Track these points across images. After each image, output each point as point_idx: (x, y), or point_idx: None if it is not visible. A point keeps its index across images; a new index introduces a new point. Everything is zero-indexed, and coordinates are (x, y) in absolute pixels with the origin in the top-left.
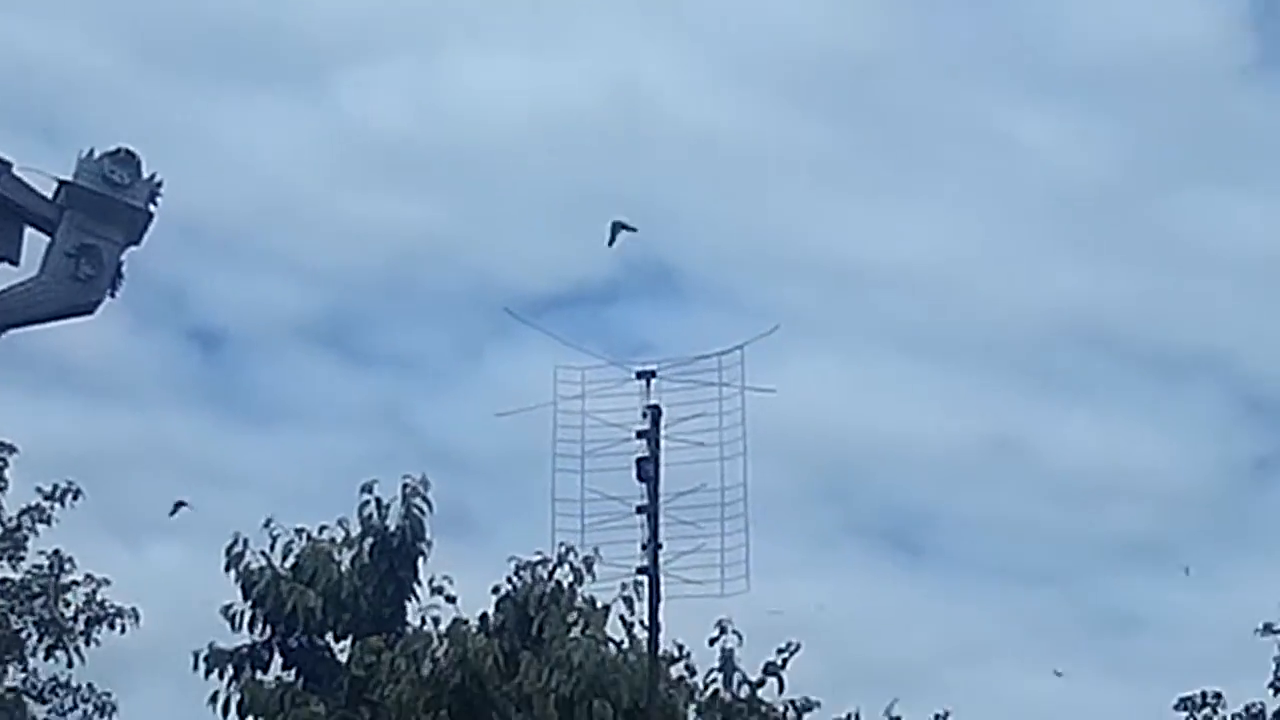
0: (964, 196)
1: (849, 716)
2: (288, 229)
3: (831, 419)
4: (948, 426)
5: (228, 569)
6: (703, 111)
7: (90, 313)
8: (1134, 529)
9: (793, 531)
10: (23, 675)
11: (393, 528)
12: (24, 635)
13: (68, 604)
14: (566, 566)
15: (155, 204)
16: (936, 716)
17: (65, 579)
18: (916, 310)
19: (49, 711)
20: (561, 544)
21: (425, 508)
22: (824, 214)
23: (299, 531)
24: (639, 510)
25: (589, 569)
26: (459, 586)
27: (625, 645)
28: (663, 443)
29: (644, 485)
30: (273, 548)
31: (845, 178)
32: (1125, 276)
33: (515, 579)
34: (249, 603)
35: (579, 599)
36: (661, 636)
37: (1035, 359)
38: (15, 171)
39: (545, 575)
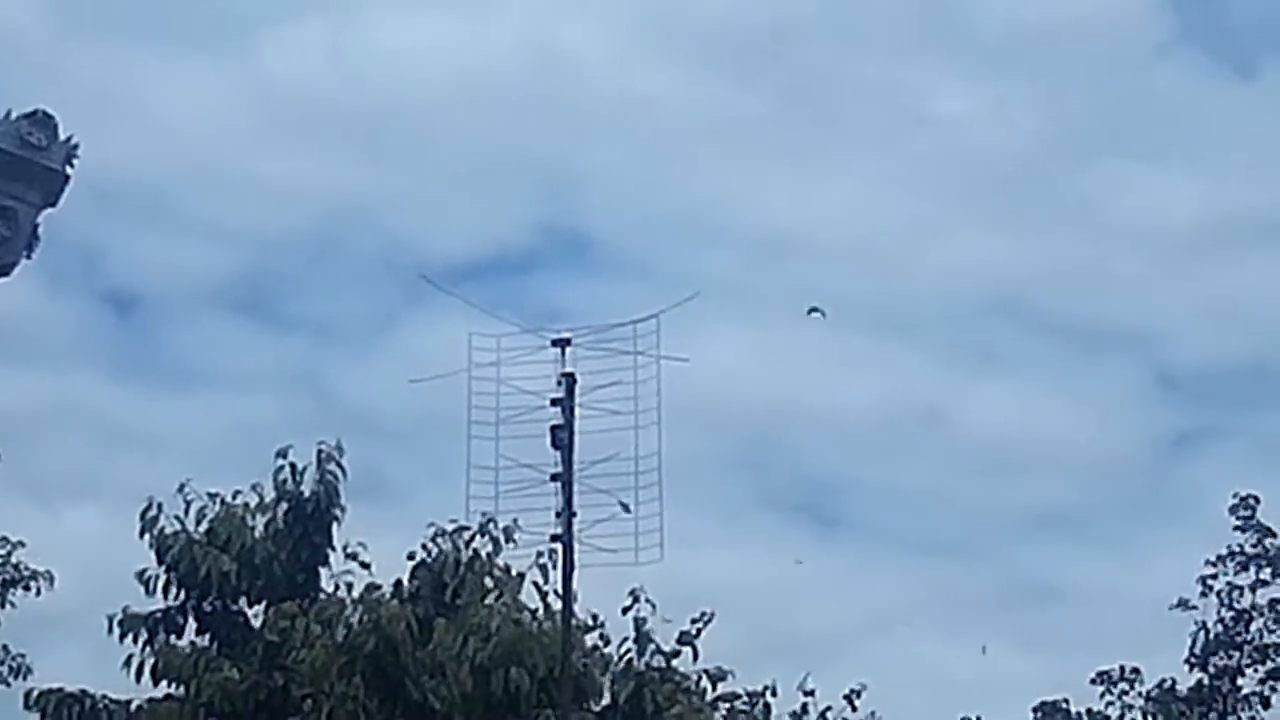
0: (884, 166)
1: (764, 689)
2: (206, 191)
3: (748, 388)
4: (865, 397)
5: (142, 534)
6: (623, 78)
7: (6, 274)
8: (1051, 501)
9: (708, 501)
10: None
11: (307, 493)
12: None
13: None
14: (486, 535)
15: (72, 166)
16: (851, 689)
17: None
18: (836, 279)
19: None
20: (482, 513)
21: (340, 473)
22: (744, 182)
23: (213, 496)
24: (553, 478)
25: (508, 538)
26: (373, 552)
27: (540, 613)
28: (577, 410)
29: (558, 453)
30: (187, 512)
31: (765, 146)
32: (1043, 249)
33: (432, 546)
34: (163, 567)
35: (495, 567)
36: (576, 605)
37: (953, 330)
38: None
39: (463, 543)
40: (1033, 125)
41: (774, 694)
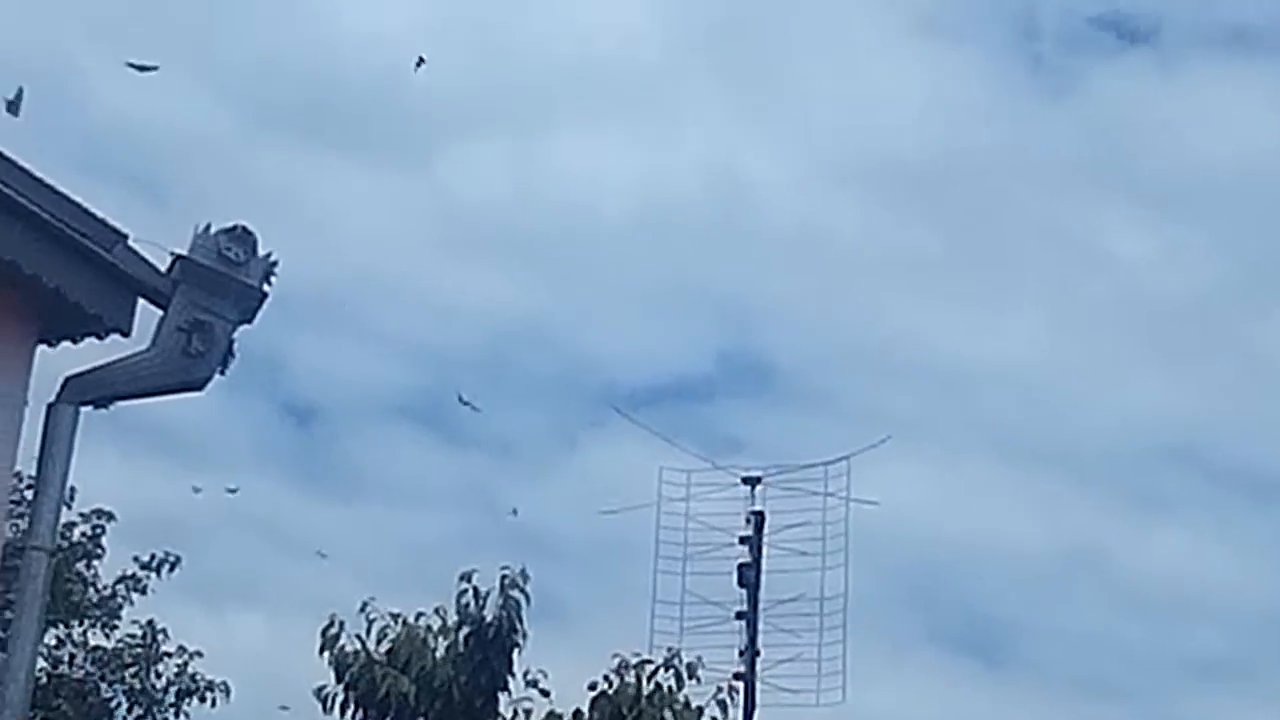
0: (1059, 306)
1: None
2: (387, 304)
3: (921, 526)
4: (1035, 536)
5: (322, 650)
6: (800, 207)
7: (200, 389)
8: (1216, 649)
9: (879, 638)
10: None
11: (489, 618)
12: (114, 704)
13: (159, 675)
14: (670, 669)
15: (270, 283)
16: None
17: (158, 650)
18: (1011, 415)
19: None
20: (667, 648)
21: (523, 599)
22: (920, 316)
23: (395, 616)
24: (738, 616)
25: (691, 674)
26: (552, 679)
27: None
28: (764, 549)
29: (744, 590)
30: (368, 632)
31: (940, 280)
32: (1215, 393)
33: (615, 677)
34: (342, 685)
35: (675, 701)
36: None
37: (1122, 470)
38: (131, 243)
39: (646, 676)
40: (1207, 267)
41: None
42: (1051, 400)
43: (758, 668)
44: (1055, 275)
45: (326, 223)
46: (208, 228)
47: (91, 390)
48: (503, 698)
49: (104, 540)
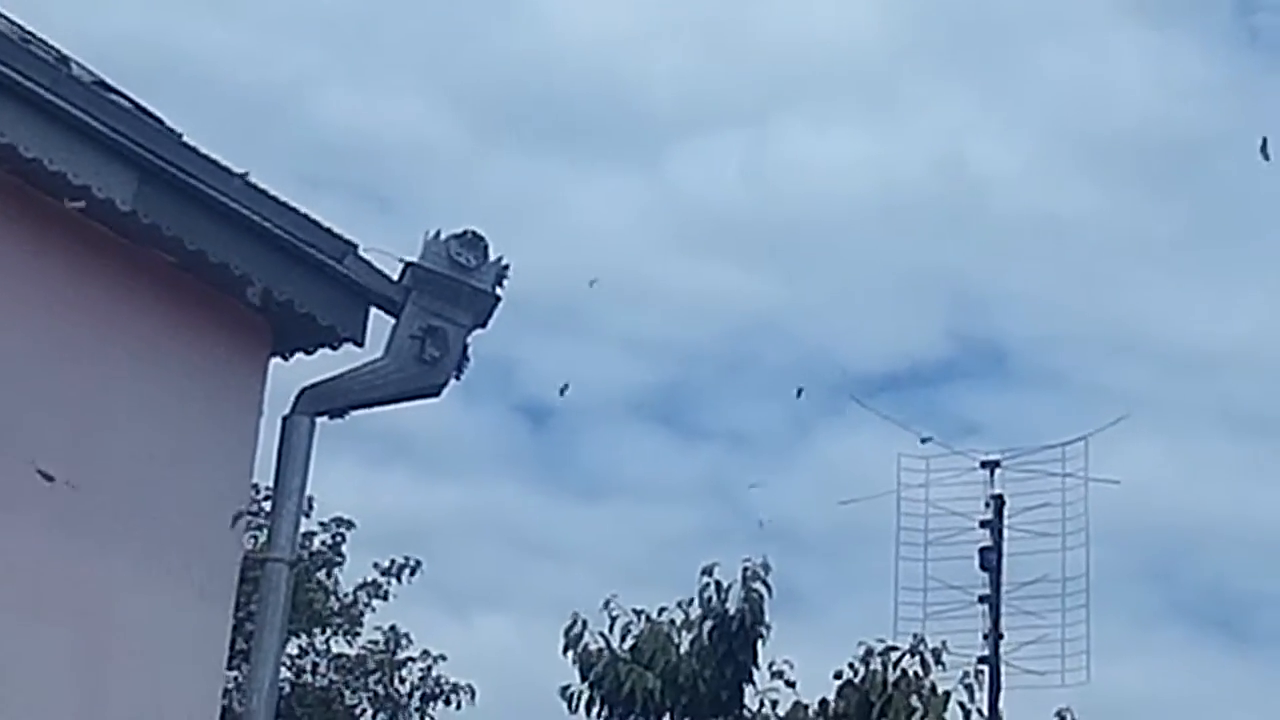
0: None
1: None
2: (619, 302)
3: (1160, 502)
4: (1276, 509)
5: (565, 650)
6: (1032, 192)
7: (435, 395)
8: None
9: (1120, 614)
10: None
11: (732, 610)
12: (359, 711)
13: (403, 680)
14: (916, 655)
15: (502, 286)
16: None
17: (400, 655)
18: (1250, 392)
19: None
20: (913, 634)
21: (765, 591)
22: (1156, 298)
23: (638, 613)
24: (981, 599)
25: (938, 659)
26: (796, 669)
27: None
28: (1005, 532)
29: (986, 574)
30: (611, 629)
31: (1177, 262)
32: None
33: (860, 666)
34: (586, 684)
35: (922, 688)
36: None
37: None
38: (361, 252)
39: (892, 664)
40: None
41: None
42: None
43: (1001, 650)
44: None
45: (558, 227)
46: (438, 234)
47: (326, 401)
48: (748, 690)
49: (344, 548)
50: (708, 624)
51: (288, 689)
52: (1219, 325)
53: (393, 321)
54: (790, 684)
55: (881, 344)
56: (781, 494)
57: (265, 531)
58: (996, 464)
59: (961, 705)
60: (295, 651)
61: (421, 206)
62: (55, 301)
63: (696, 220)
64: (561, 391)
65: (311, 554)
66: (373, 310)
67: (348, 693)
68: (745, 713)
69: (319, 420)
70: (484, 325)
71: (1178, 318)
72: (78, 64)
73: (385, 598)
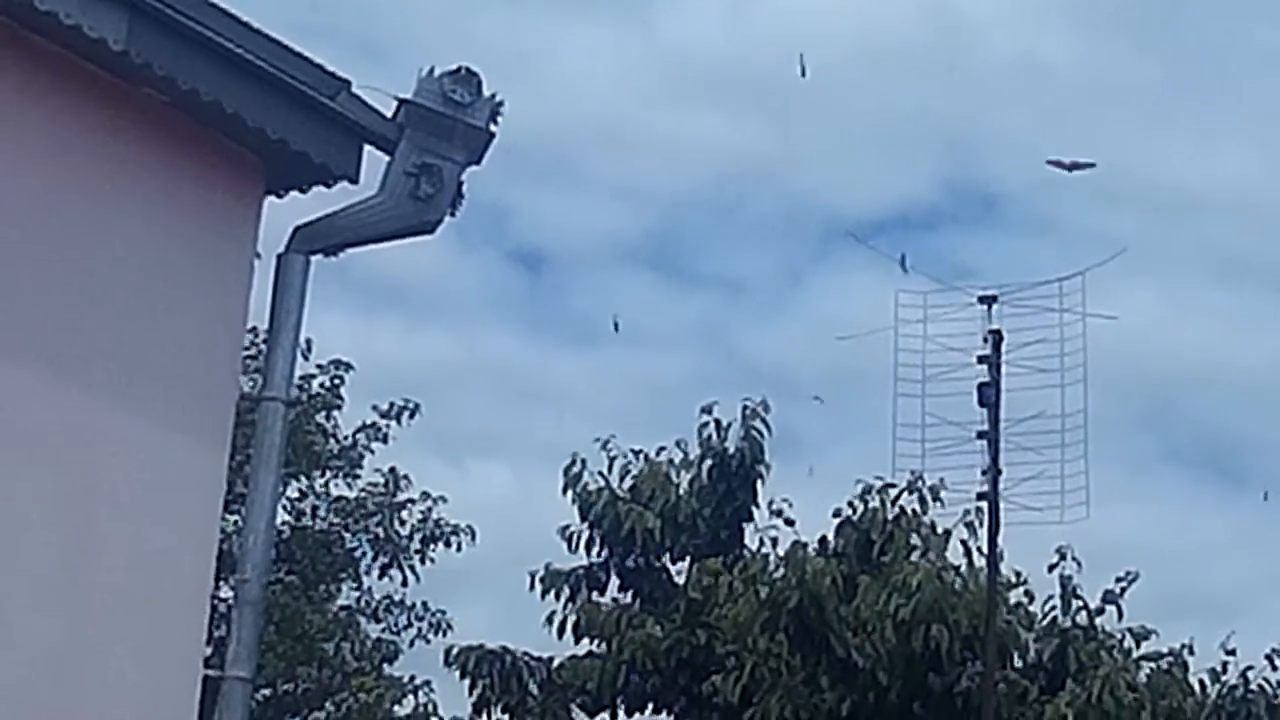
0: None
1: (1183, 647)
2: (609, 151)
3: (1150, 346)
4: (1264, 353)
5: (565, 490)
6: (1015, 39)
7: (430, 232)
8: None
9: (1115, 458)
10: (357, 594)
11: (731, 449)
12: (359, 554)
13: (403, 522)
14: (914, 493)
15: (496, 123)
16: (1274, 649)
17: (400, 497)
18: (1237, 238)
19: (382, 629)
20: (912, 470)
21: (764, 430)
22: (1142, 144)
23: (637, 453)
24: (979, 436)
25: (935, 496)
26: (795, 510)
27: (964, 571)
28: (1003, 368)
29: (984, 410)
30: (610, 469)
31: (1162, 109)
32: None
33: (858, 503)
34: (586, 524)
35: (921, 524)
36: (1001, 563)
37: None
38: (354, 90)
39: (890, 501)
40: None
41: (1191, 652)
42: (1274, 221)
43: (1000, 487)
44: (1275, 101)
45: (547, 77)
46: (431, 70)
47: (321, 239)
48: (747, 529)
49: (342, 391)
50: (707, 463)
51: (287, 532)
52: (1204, 170)
53: (387, 159)
54: (790, 522)
55: (872, 190)
56: (776, 340)
57: (262, 375)
58: (994, 299)
59: (962, 543)
60: (295, 494)
61: (413, 55)
62: (47, 142)
63: (684, 69)
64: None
65: (310, 396)
66: (367, 148)
67: (347, 535)
68: (745, 551)
69: (314, 258)
70: (478, 162)
71: (1163, 163)
72: None
73: (385, 440)
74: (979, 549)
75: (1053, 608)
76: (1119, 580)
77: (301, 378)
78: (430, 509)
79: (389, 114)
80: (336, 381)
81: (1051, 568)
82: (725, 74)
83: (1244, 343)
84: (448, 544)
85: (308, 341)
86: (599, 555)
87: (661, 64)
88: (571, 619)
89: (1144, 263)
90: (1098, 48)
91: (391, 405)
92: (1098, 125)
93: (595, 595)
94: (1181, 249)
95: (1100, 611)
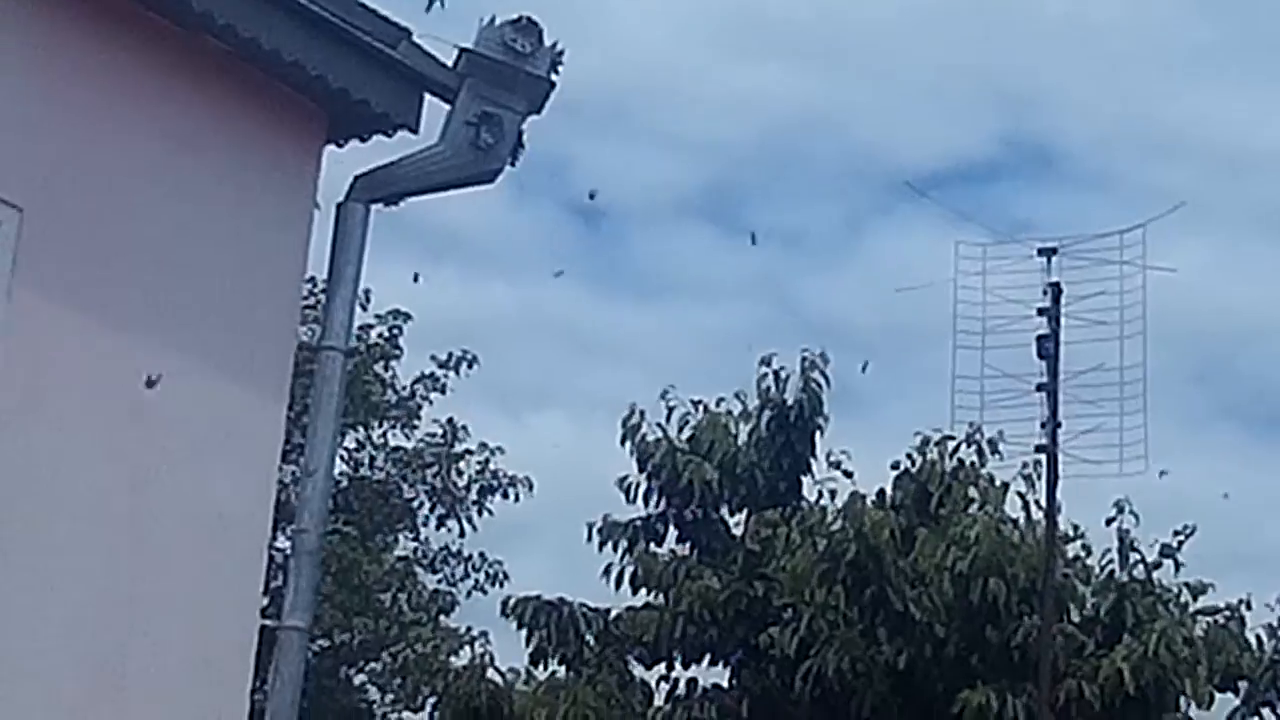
0: None
1: (1239, 602)
2: (667, 103)
3: (1211, 301)
4: None
5: (623, 441)
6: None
7: (490, 181)
8: None
9: (1173, 413)
10: (414, 544)
11: (790, 401)
12: (416, 504)
13: (460, 473)
14: (972, 445)
15: (557, 73)
16: None
17: (458, 448)
18: None
19: (439, 580)
20: (970, 423)
21: (823, 382)
22: (1201, 103)
23: (696, 404)
24: (1038, 388)
25: (994, 449)
26: (854, 462)
27: (1022, 524)
28: (1062, 321)
29: (1043, 363)
30: (669, 420)
31: (1217, 67)
32: None
33: (917, 455)
34: (644, 475)
35: (979, 477)
36: (1059, 517)
37: None
38: (415, 39)
39: (949, 453)
40: None
41: (1249, 607)
42: None
43: (1059, 440)
44: None
45: (606, 27)
46: (492, 20)
47: (381, 188)
48: (805, 481)
49: (401, 341)
50: (766, 415)
51: (345, 482)
52: (1261, 128)
53: (447, 108)
54: (848, 474)
55: (929, 144)
56: (835, 293)
57: (320, 325)
58: (1053, 251)
59: (1020, 496)
60: (353, 445)
61: (473, 5)
62: (109, 91)
63: (741, 20)
64: (591, 196)
65: (369, 346)
66: (427, 97)
67: (405, 486)
68: (803, 503)
69: (373, 208)
70: (539, 112)
71: (1219, 121)
72: None
73: (443, 391)
74: (1037, 502)
75: (1110, 561)
76: (1176, 534)
77: (360, 328)
78: (488, 460)
79: (449, 63)
80: (395, 332)
81: (1109, 521)
82: (783, 25)
83: None
84: (505, 495)
85: (366, 292)
86: (657, 507)
87: (720, 14)
88: (629, 570)
89: (1201, 219)
90: (1149, 7)
91: (450, 356)
92: (1153, 83)
93: (653, 546)
94: (1239, 205)
95: (1157, 566)
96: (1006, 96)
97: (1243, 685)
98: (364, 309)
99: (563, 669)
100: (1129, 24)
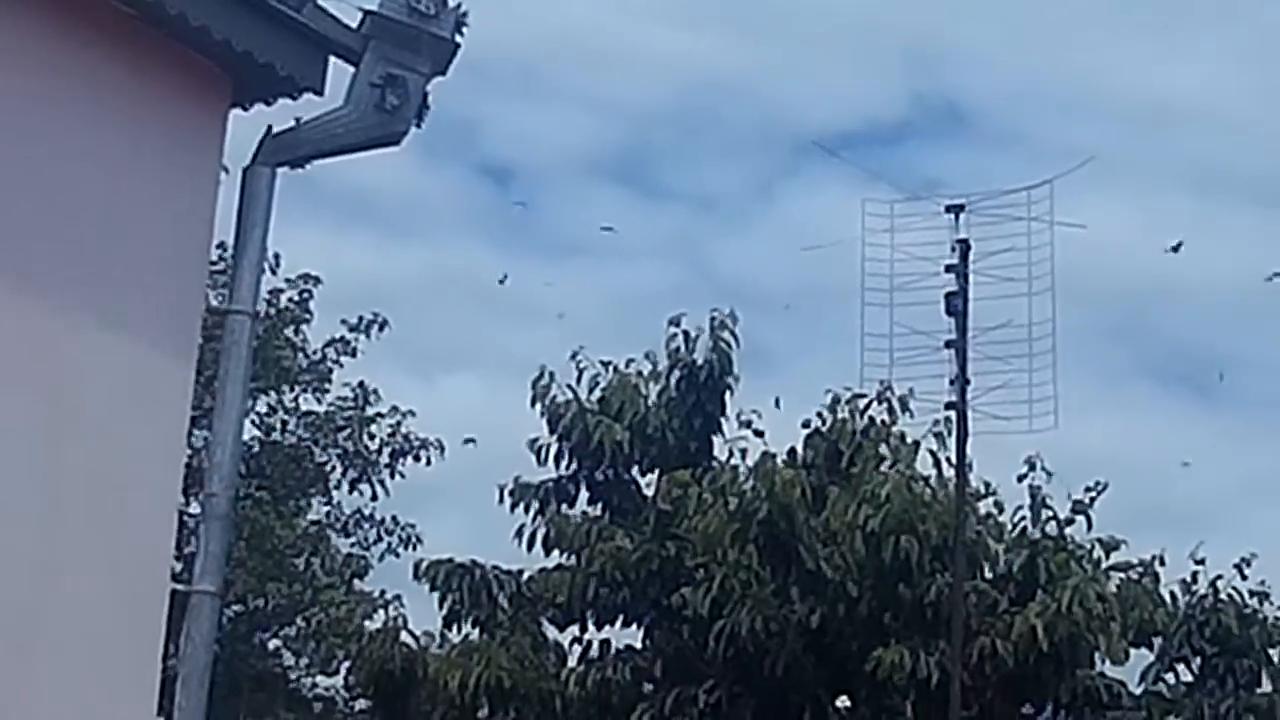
0: (1253, 38)
1: (1153, 558)
2: (578, 64)
3: (1123, 259)
4: (1237, 267)
5: (533, 403)
6: None
7: (396, 143)
8: None
9: (1088, 370)
10: (327, 508)
11: (700, 361)
12: (328, 468)
13: (372, 436)
14: (883, 403)
15: (461, 34)
16: (1241, 559)
17: (369, 411)
18: (1209, 149)
19: (352, 544)
20: (880, 381)
21: (733, 341)
22: (1110, 56)
23: (605, 365)
24: (947, 345)
25: (905, 407)
26: (765, 421)
27: (934, 481)
28: (970, 278)
29: (952, 320)
30: (579, 381)
31: (1129, 21)
32: None
33: (827, 414)
34: (555, 436)
35: (890, 435)
36: (970, 474)
37: None
38: (319, 1)
39: (859, 411)
40: None
41: (1163, 563)
42: (1244, 133)
43: (968, 396)
44: (1248, 11)
45: None
46: None
47: (287, 151)
48: (716, 440)
49: (311, 305)
50: (675, 375)
51: (257, 447)
52: (1173, 80)
53: (352, 70)
54: (759, 434)
55: (839, 104)
56: (746, 253)
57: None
58: (961, 208)
59: (931, 453)
60: (264, 409)
61: None
62: (10, 55)
63: None
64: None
65: (279, 311)
66: (332, 60)
67: (317, 449)
68: (714, 463)
69: (280, 171)
70: (444, 73)
71: (1135, 75)
72: None
73: (354, 354)
74: (948, 459)
75: (1022, 518)
76: (1088, 490)
77: (270, 292)
78: (399, 423)
79: (354, 25)
80: (305, 296)
81: (1021, 478)
82: None
83: (1217, 255)
84: (417, 458)
85: (276, 256)
86: (568, 468)
87: None
88: (541, 532)
89: (1116, 175)
90: None
91: (360, 319)
92: (1065, 37)
93: (564, 508)
94: (1154, 161)
95: (1070, 522)
96: (916, 55)
97: (1157, 641)
98: (274, 273)
99: (476, 631)
100: None
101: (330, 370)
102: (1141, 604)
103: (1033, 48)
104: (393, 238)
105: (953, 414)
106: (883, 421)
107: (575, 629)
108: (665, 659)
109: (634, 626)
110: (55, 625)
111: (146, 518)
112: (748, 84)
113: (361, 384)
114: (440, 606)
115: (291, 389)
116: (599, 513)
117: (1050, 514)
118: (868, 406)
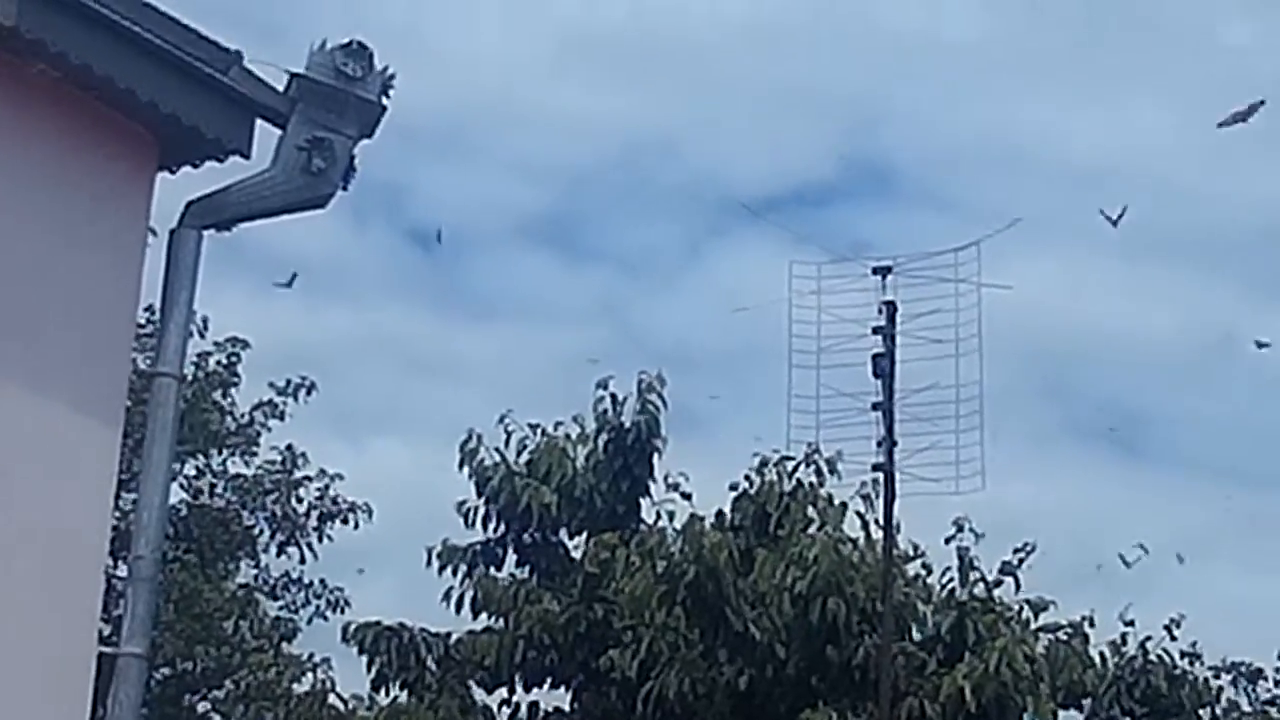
0: (1178, 99)
1: (1082, 619)
2: (505, 127)
3: (1050, 318)
4: (1166, 325)
5: (461, 465)
6: (917, 11)
7: (322, 206)
8: None
9: (1015, 430)
10: (255, 571)
11: (628, 424)
12: (256, 531)
13: (300, 500)
14: (811, 465)
15: (388, 97)
16: (1171, 619)
17: (298, 474)
18: (1134, 210)
19: (280, 607)
20: (807, 443)
21: (660, 404)
22: (1039, 116)
23: (534, 427)
24: (874, 407)
25: (832, 469)
26: (692, 483)
27: (862, 543)
28: (897, 339)
29: (879, 381)
30: (507, 444)
31: (1058, 80)
32: None
33: (755, 476)
34: (483, 499)
35: (818, 497)
36: (898, 535)
37: (1254, 258)
38: (246, 64)
39: (787, 473)
40: None
41: (1091, 624)
42: (1177, 192)
43: (896, 458)
44: (1174, 69)
45: (439, 53)
46: (323, 44)
47: (213, 214)
48: (644, 503)
49: (239, 369)
50: (603, 438)
51: (185, 510)
52: (1106, 140)
53: (279, 133)
54: (686, 496)
55: (767, 165)
56: (674, 315)
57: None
58: (888, 270)
59: (859, 515)
60: (192, 472)
61: (307, 31)
62: None
63: (576, 44)
64: (438, 238)
65: (207, 374)
66: (259, 122)
67: (245, 513)
68: (642, 526)
69: (206, 234)
70: (370, 136)
71: (1064, 135)
72: None
73: (281, 418)
74: (876, 521)
75: (950, 580)
76: (1016, 552)
77: (198, 355)
78: (328, 486)
79: (280, 88)
80: (233, 359)
81: (949, 540)
82: (621, 49)
83: (1143, 314)
84: (345, 521)
85: (204, 319)
86: (496, 531)
87: (558, 39)
88: (469, 594)
89: (1044, 236)
90: (996, 22)
91: (289, 382)
92: (996, 97)
93: (492, 571)
94: (1081, 221)
95: (998, 584)
96: (844, 117)
97: (1087, 703)
98: (202, 336)
99: (404, 694)
100: (967, 42)
101: (258, 433)
102: (1071, 665)
103: (961, 110)
104: (321, 301)
105: (880, 476)
106: (810, 484)
107: (503, 691)
108: None
109: (562, 689)
110: None
111: (73, 580)
112: (675, 145)
113: (290, 447)
114: (368, 669)
115: (220, 452)
116: (527, 575)
117: (978, 575)
118: (795, 468)
